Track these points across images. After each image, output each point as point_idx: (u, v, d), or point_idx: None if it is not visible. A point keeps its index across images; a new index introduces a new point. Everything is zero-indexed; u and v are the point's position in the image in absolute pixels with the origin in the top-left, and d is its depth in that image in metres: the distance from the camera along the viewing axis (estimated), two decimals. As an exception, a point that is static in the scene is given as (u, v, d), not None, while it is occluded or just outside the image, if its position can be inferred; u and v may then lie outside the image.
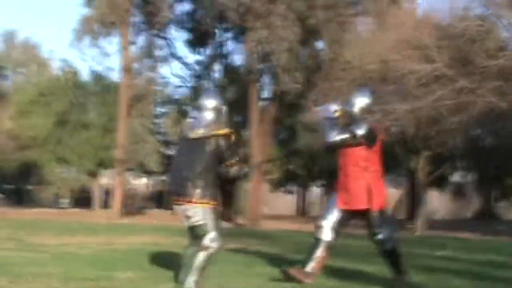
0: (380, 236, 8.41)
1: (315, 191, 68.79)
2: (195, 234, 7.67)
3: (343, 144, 8.51)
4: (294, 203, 61.98)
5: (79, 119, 45.88)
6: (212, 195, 7.62)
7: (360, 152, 8.48)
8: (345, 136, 8.47)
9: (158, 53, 40.79)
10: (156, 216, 43.43)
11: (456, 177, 57.94)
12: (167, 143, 51.03)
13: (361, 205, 8.43)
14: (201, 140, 7.75)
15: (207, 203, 7.54)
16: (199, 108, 8.25)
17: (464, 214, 79.06)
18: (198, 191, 7.50)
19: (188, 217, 7.61)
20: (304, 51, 37.58)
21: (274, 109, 38.04)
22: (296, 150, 44.97)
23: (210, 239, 7.48)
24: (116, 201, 39.23)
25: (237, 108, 43.01)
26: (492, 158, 46.33)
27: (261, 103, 39.95)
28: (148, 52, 39.11)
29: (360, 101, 8.75)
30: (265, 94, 42.29)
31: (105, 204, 47.20)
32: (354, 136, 8.44)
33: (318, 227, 8.62)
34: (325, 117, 8.78)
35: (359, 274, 9.61)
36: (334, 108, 8.81)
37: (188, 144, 7.86)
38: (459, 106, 27.64)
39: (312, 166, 45.82)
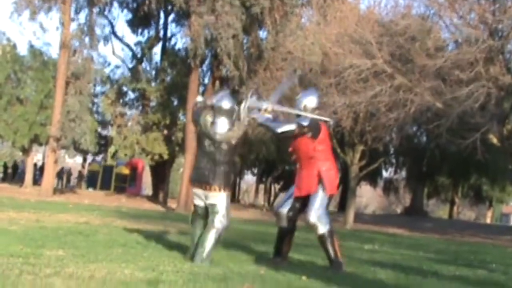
0: (312, 220, 8.91)
1: (250, 179, 68.99)
2: (207, 214, 8.94)
3: (290, 134, 9.14)
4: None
5: (15, 93, 45.07)
6: (228, 184, 8.96)
7: (308, 145, 9.11)
8: (292, 126, 9.07)
9: (98, 31, 40.29)
10: (88, 195, 43.06)
11: (389, 173, 58.66)
12: (104, 123, 50.52)
13: (312, 191, 9.05)
14: (220, 141, 8.92)
15: (224, 190, 8.88)
16: (216, 111, 9.07)
17: (394, 209, 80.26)
18: (218, 180, 8.82)
19: (206, 200, 8.93)
20: (247, 39, 37.61)
21: (212, 94, 37.95)
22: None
23: (220, 219, 8.80)
24: (48, 178, 38.71)
25: (175, 92, 42.91)
26: (426, 156, 47.07)
27: (201, 88, 39.90)
28: (88, 30, 38.58)
29: (309, 101, 9.39)
30: (205, 79, 42.21)
31: (38, 181, 46.51)
32: (299, 126, 9.02)
33: (276, 215, 9.35)
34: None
35: (248, 251, 9.89)
36: (264, 106, 9.39)
37: (209, 141, 8.96)
38: (396, 103, 27.99)
39: (247, 154, 45.89)
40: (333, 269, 8.80)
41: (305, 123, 9.05)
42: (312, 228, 8.98)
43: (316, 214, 8.90)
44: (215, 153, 8.89)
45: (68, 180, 61.72)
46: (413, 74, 27.41)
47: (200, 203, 9.07)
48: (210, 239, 8.77)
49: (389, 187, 62.70)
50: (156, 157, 42.74)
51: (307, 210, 9.02)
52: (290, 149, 9.44)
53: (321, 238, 8.95)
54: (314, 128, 9.09)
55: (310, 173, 9.11)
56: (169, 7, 43.08)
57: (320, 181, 9.02)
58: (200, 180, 9.00)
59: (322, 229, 8.90)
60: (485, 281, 8.56)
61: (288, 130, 9.07)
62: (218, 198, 8.87)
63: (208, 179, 8.88)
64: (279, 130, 9.10)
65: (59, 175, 58.98)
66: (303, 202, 9.24)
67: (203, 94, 38.96)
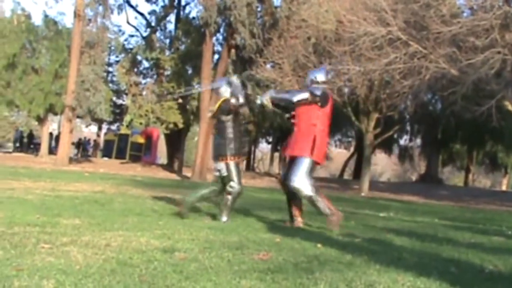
0: (295, 184, 9.59)
1: (265, 147, 68.94)
2: (223, 182, 10.05)
3: (304, 102, 9.72)
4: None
5: (30, 63, 45.19)
6: (232, 152, 9.96)
7: (313, 111, 9.69)
8: (305, 95, 9.73)
9: (112, 0, 40.25)
10: (104, 164, 43.24)
11: (404, 140, 58.54)
12: (119, 92, 50.61)
13: (303, 153, 9.65)
14: (215, 116, 10.20)
15: (229, 159, 9.94)
16: (215, 92, 10.77)
17: (409, 177, 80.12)
18: (221, 152, 9.97)
19: (218, 170, 10.04)
20: (261, 7, 37.48)
21: (226, 63, 37.91)
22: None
23: (231, 186, 9.93)
24: (63, 148, 38.88)
25: (189, 60, 42.86)
26: (441, 123, 46.89)
27: (215, 56, 39.84)
28: (102, -1, 38.53)
29: (319, 75, 10.10)
30: (220, 47, 42.13)
31: (54, 150, 46.75)
32: (312, 94, 9.65)
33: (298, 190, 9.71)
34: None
35: (263, 219, 10.05)
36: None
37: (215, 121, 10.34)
38: (411, 70, 27.84)
39: (262, 123, 45.89)
40: (331, 222, 9.47)
41: (318, 92, 9.71)
42: (297, 191, 9.64)
43: (299, 179, 9.53)
44: (219, 128, 10.12)
45: (85, 149, 62.09)
46: (428, 41, 27.21)
47: (216, 173, 10.24)
48: (225, 202, 9.98)
49: (404, 154, 62.54)
50: (171, 125, 42.88)
51: (291, 174, 9.64)
52: (293, 112, 9.95)
53: (310, 199, 9.59)
54: (324, 98, 9.72)
55: (306, 137, 9.69)
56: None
57: (313, 147, 9.60)
58: (213, 153, 10.28)
59: (308, 191, 9.53)
60: (500, 248, 8.54)
61: (302, 98, 9.70)
62: (226, 167, 9.94)
63: (216, 152, 10.12)
64: (295, 99, 9.72)
65: (83, 146, 59.27)
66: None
67: (217, 62, 38.94)
